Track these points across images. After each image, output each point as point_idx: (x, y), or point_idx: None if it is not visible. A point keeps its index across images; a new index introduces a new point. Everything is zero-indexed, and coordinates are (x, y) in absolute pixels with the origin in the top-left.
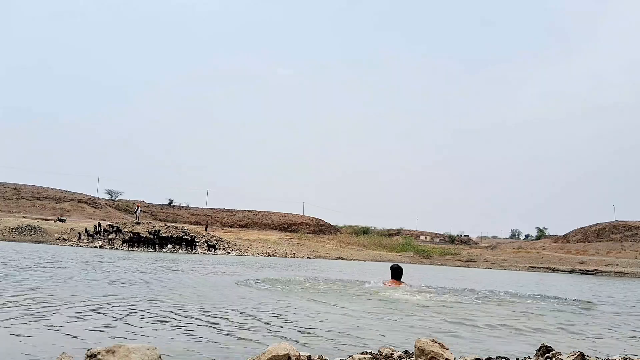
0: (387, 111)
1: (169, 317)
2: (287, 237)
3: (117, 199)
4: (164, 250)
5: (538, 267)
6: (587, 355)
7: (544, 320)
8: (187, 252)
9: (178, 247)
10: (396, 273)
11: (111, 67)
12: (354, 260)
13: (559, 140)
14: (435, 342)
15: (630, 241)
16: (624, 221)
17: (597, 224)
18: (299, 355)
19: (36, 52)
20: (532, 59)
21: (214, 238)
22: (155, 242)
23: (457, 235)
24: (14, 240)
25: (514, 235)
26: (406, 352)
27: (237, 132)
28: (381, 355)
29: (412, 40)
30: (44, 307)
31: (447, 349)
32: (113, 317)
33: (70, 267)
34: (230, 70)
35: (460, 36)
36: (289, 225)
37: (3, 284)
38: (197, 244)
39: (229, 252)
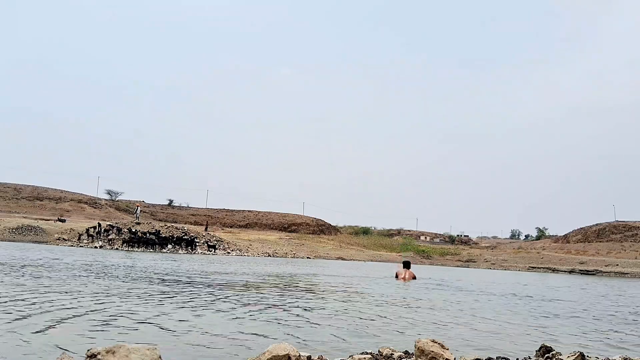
0: (388, 111)
1: (170, 317)
2: (287, 237)
3: (117, 199)
4: (164, 250)
5: (538, 268)
6: (587, 356)
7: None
8: (187, 253)
9: (178, 247)
10: (406, 264)
11: (111, 67)
12: (354, 260)
13: (559, 140)
14: (436, 342)
15: (630, 241)
16: (624, 221)
17: (597, 224)
18: (299, 356)
19: (36, 51)
20: (532, 59)
21: (214, 238)
22: (156, 242)
23: (457, 235)
24: (14, 241)
25: (514, 235)
26: (406, 352)
27: (237, 132)
28: (381, 355)
29: (413, 40)
30: (46, 305)
31: (447, 349)
32: (114, 315)
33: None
34: (231, 69)
35: (461, 36)
36: (289, 226)
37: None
38: (197, 244)
39: (229, 253)
